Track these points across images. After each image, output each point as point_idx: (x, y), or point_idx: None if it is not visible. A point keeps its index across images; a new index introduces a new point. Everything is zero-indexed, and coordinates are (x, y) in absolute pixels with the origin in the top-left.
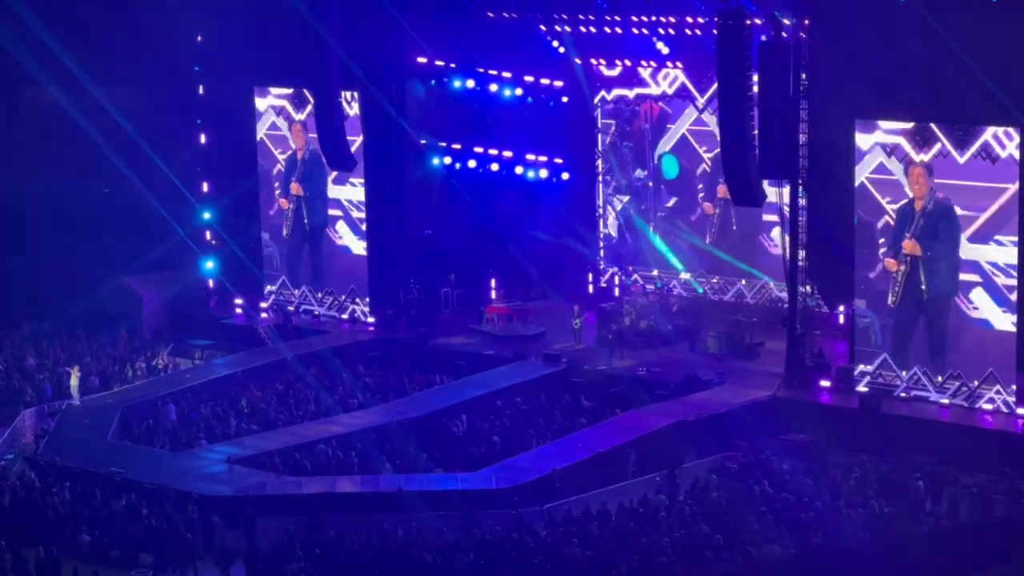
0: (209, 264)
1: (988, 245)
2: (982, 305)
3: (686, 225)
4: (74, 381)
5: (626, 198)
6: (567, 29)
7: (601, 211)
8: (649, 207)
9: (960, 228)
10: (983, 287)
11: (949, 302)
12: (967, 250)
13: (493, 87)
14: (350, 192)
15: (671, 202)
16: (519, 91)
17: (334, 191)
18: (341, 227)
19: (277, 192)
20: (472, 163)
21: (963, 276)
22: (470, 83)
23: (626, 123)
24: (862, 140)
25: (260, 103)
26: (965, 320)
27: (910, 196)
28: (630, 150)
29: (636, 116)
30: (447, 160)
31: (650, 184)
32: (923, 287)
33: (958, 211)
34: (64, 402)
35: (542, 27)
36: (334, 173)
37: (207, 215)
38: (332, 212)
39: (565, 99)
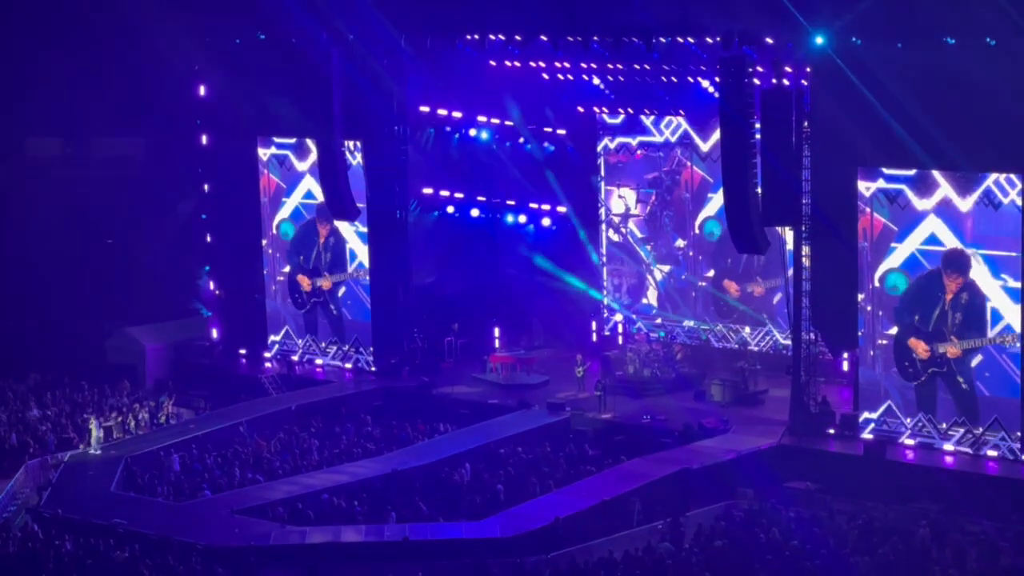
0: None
1: None
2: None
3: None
4: (95, 432)
5: (667, 267)
6: (570, 77)
7: (604, 259)
8: (690, 277)
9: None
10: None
11: (976, 383)
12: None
13: (495, 135)
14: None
15: (710, 273)
16: (521, 139)
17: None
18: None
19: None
20: (475, 212)
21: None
22: (473, 132)
23: (666, 192)
24: (864, 187)
25: (263, 153)
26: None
27: (929, 268)
28: (670, 219)
29: (676, 185)
30: (450, 209)
31: (691, 254)
32: (960, 379)
33: (1010, 281)
34: (67, 453)
35: (544, 76)
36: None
37: (207, 268)
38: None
39: (568, 147)
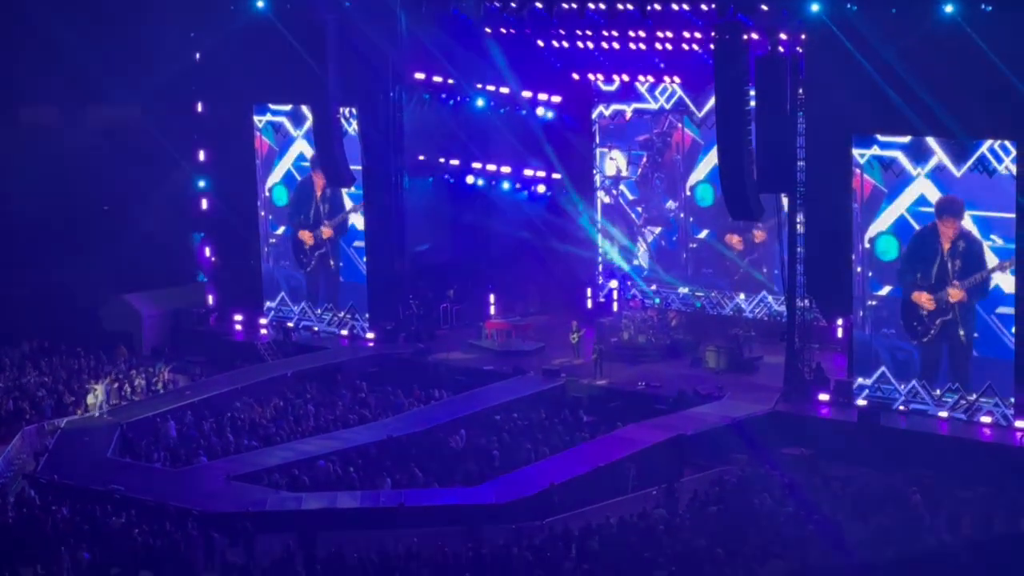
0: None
1: None
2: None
3: (717, 258)
4: (100, 396)
5: (658, 229)
6: (565, 44)
7: (599, 225)
8: (681, 239)
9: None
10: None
11: (976, 337)
12: (1010, 283)
13: (491, 102)
14: None
15: (703, 234)
16: (517, 106)
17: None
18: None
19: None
20: (470, 178)
21: (1006, 309)
22: (468, 99)
23: (657, 154)
24: (859, 154)
25: (259, 120)
26: (998, 351)
27: (917, 227)
28: (661, 181)
29: (668, 147)
30: (445, 175)
31: (681, 215)
32: (961, 332)
33: (999, 241)
34: (64, 419)
35: (540, 43)
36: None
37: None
38: (360, 244)
39: (563, 114)
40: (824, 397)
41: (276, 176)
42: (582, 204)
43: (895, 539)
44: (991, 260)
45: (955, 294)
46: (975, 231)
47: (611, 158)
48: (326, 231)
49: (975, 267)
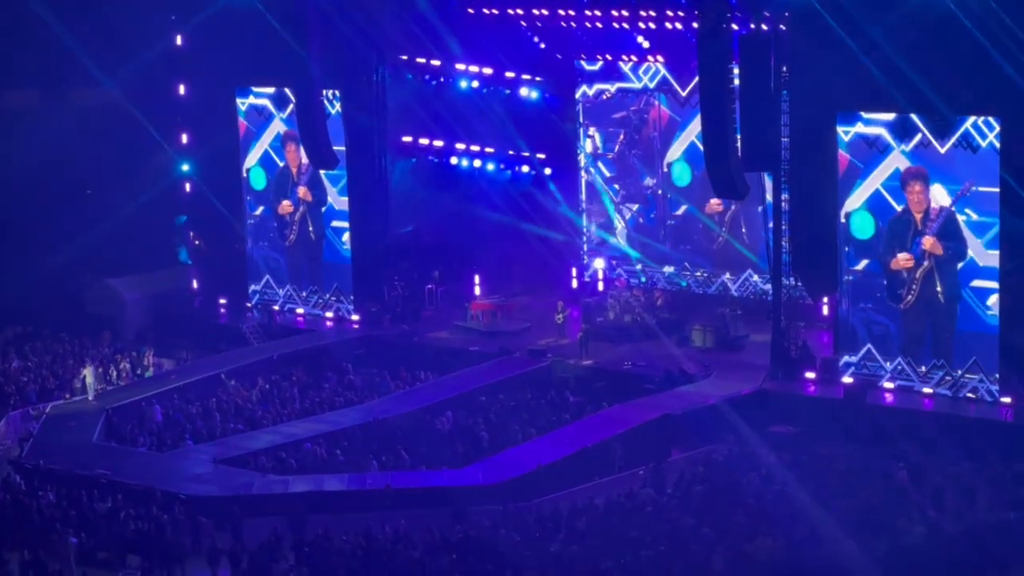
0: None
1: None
2: (1000, 310)
3: (699, 228)
4: (89, 379)
5: (635, 207)
6: (548, 24)
7: (584, 206)
8: (659, 215)
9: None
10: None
11: (957, 306)
12: (985, 256)
13: (474, 83)
14: None
15: (681, 210)
16: (500, 87)
17: (341, 203)
18: (348, 238)
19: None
20: (454, 159)
21: (981, 282)
22: (451, 80)
23: (634, 131)
24: (843, 132)
25: (241, 103)
26: (977, 325)
27: (898, 208)
28: (639, 158)
29: (645, 124)
30: (430, 157)
31: (659, 192)
32: (939, 288)
33: (974, 215)
34: (48, 404)
35: (523, 23)
36: (341, 183)
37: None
38: (338, 223)
39: (547, 95)
40: (810, 375)
41: (252, 158)
42: (554, 187)
43: (881, 515)
44: (964, 230)
45: (928, 241)
46: (949, 203)
47: (589, 135)
48: (302, 191)
49: (949, 228)
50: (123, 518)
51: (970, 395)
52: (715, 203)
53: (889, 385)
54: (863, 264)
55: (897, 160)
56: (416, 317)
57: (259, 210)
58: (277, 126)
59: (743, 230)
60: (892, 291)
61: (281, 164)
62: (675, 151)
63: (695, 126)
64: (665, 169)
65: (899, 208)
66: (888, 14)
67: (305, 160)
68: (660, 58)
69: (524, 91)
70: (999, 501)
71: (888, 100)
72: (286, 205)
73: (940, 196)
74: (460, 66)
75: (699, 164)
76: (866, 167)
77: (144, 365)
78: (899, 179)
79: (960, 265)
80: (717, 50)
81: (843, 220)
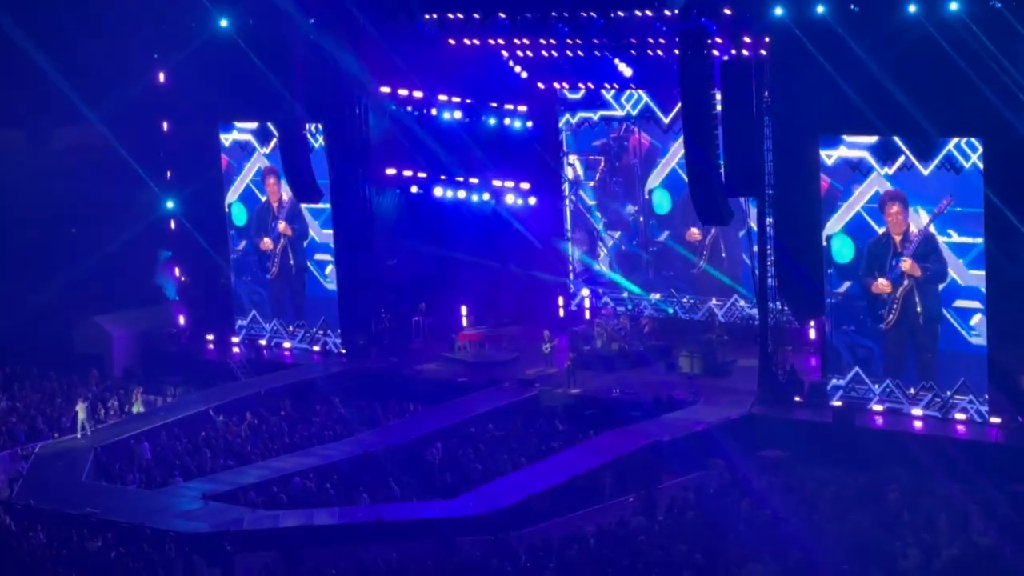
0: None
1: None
2: (984, 331)
3: (681, 255)
4: (81, 415)
5: (617, 234)
6: (529, 54)
7: (570, 234)
8: (641, 242)
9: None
10: (983, 313)
11: (938, 327)
12: (966, 276)
13: (457, 114)
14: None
15: (663, 236)
16: (483, 117)
17: (323, 236)
18: (331, 271)
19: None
20: (439, 191)
21: (963, 303)
22: (434, 111)
23: (615, 159)
24: (826, 156)
25: (225, 138)
26: (960, 345)
27: (879, 231)
28: (620, 185)
29: (625, 151)
30: (413, 189)
31: (641, 219)
32: (919, 309)
33: (955, 236)
34: (38, 444)
35: (504, 53)
36: (323, 216)
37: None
38: (320, 256)
39: (530, 124)
40: (799, 399)
41: (234, 194)
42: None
43: (873, 539)
44: (945, 251)
45: (906, 263)
46: (931, 226)
47: (569, 163)
48: (282, 226)
49: (928, 249)
50: (114, 557)
51: (959, 416)
52: (695, 232)
53: (878, 408)
54: (845, 287)
55: (878, 183)
56: (403, 349)
57: (241, 244)
58: (259, 161)
59: (723, 255)
60: (873, 312)
61: (263, 199)
62: (655, 178)
63: (675, 153)
64: (646, 196)
65: (880, 231)
66: (868, 37)
67: (286, 194)
68: (642, 86)
69: (507, 121)
70: (992, 523)
71: (870, 123)
72: (267, 242)
73: (921, 218)
74: (443, 97)
75: (679, 191)
76: (846, 190)
77: (132, 402)
78: (878, 201)
79: (941, 286)
80: (698, 77)
81: (824, 243)
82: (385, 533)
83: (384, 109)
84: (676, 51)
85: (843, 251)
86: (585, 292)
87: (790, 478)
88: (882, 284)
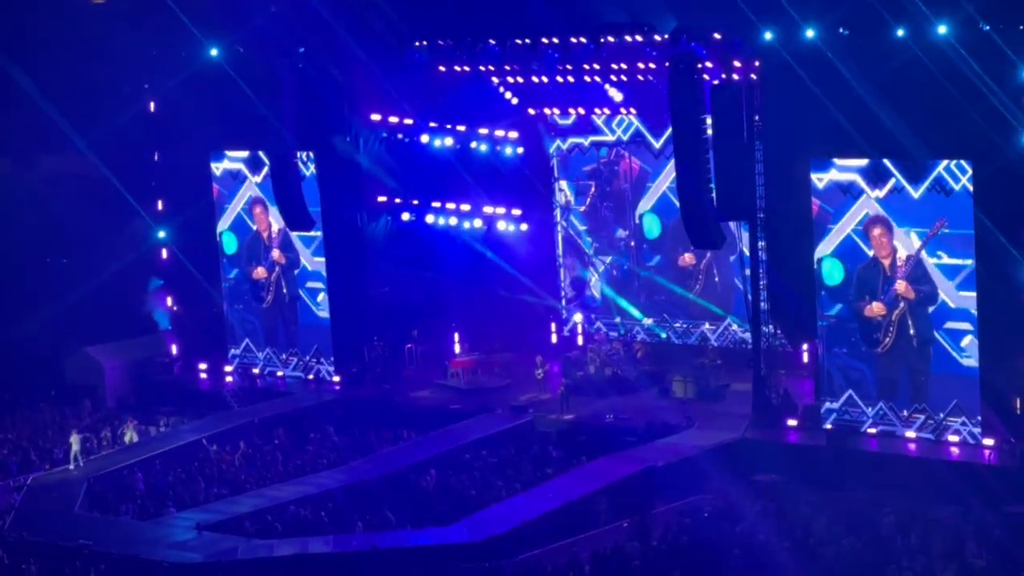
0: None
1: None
2: (975, 353)
3: (673, 279)
4: (75, 447)
5: (608, 258)
6: (519, 80)
7: (561, 260)
8: (632, 266)
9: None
10: (974, 334)
11: (930, 349)
12: (956, 298)
13: (448, 140)
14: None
15: (655, 261)
16: (474, 143)
17: (315, 264)
18: (323, 299)
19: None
20: (430, 217)
21: (953, 324)
22: (425, 138)
23: (605, 183)
24: (817, 179)
25: (216, 167)
26: (952, 367)
27: (870, 254)
28: (610, 210)
29: (615, 176)
30: (405, 216)
31: (632, 244)
32: (912, 332)
33: (945, 258)
34: (30, 476)
35: (494, 79)
36: (314, 244)
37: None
38: (312, 284)
39: (520, 150)
40: (792, 422)
41: (225, 222)
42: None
43: (868, 562)
44: (934, 273)
45: (901, 285)
46: (921, 249)
47: (560, 188)
48: (276, 254)
49: (920, 271)
50: None
51: (953, 438)
52: (687, 257)
53: (871, 430)
54: (836, 310)
55: (867, 205)
56: (396, 376)
57: (233, 273)
58: (250, 189)
59: (716, 280)
60: (866, 336)
61: (253, 227)
62: (646, 203)
63: (666, 177)
64: (637, 221)
65: (869, 254)
66: (858, 60)
67: (275, 223)
68: (633, 110)
69: (498, 147)
70: (987, 546)
71: (861, 146)
72: (260, 271)
73: (911, 241)
74: (433, 124)
75: (669, 216)
76: (837, 213)
77: (124, 432)
78: (863, 225)
79: (931, 308)
80: (689, 101)
81: (816, 265)
82: (380, 561)
83: (375, 136)
84: (666, 76)
85: (833, 274)
86: (578, 318)
87: (784, 502)
88: (876, 308)
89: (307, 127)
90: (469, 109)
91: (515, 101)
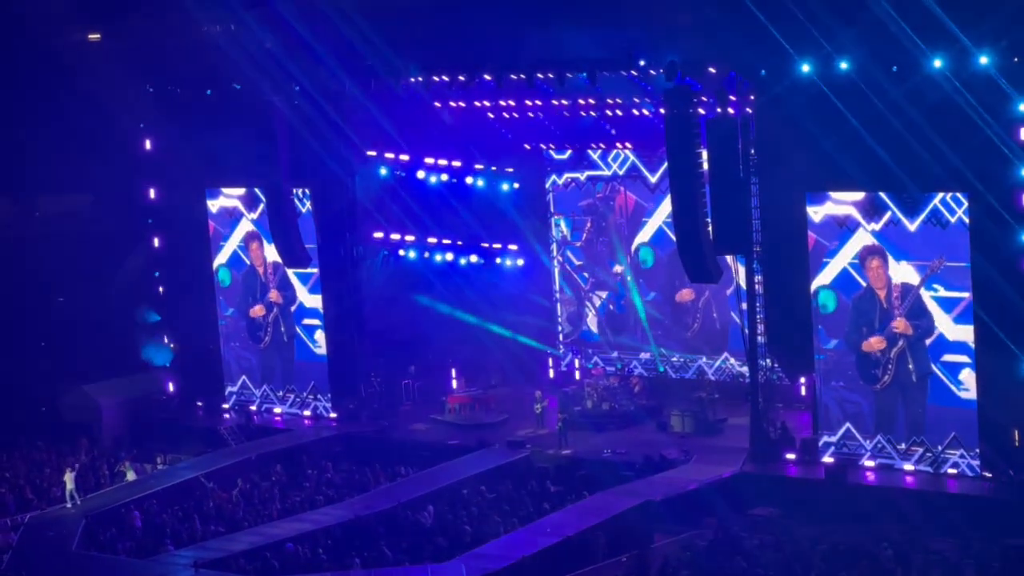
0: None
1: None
2: (972, 386)
3: (668, 316)
4: (69, 485)
5: (604, 294)
6: (515, 115)
7: (558, 295)
8: (628, 302)
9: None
10: (971, 367)
11: (928, 382)
12: (954, 331)
13: (444, 176)
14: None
15: (651, 296)
16: (470, 178)
17: (311, 300)
18: (320, 336)
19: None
20: (426, 253)
21: (951, 357)
22: (421, 173)
23: (601, 218)
24: (813, 212)
25: (212, 204)
26: (950, 400)
27: (864, 284)
28: (606, 245)
29: (611, 211)
30: (401, 251)
31: (628, 279)
32: (911, 366)
33: (942, 291)
34: (27, 515)
35: (490, 115)
36: (310, 280)
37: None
38: (309, 321)
39: (516, 185)
40: (791, 456)
41: (222, 257)
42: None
43: None
44: (931, 305)
45: (900, 324)
46: (915, 282)
47: (556, 224)
48: (273, 295)
49: (918, 307)
50: None
51: (951, 471)
52: (685, 293)
53: (870, 463)
54: (833, 343)
55: (863, 239)
56: (394, 412)
57: (229, 311)
58: (245, 226)
59: (714, 315)
60: (864, 371)
61: (248, 263)
62: (642, 236)
63: (662, 212)
64: (633, 255)
65: (864, 284)
66: (852, 94)
67: (271, 258)
68: (628, 145)
69: (494, 182)
70: None
71: (856, 179)
72: (258, 309)
73: (908, 274)
74: (429, 159)
75: (664, 248)
76: (833, 246)
77: (121, 471)
78: (859, 256)
79: (929, 341)
80: (684, 135)
81: (812, 300)
82: None
83: (371, 172)
84: (662, 110)
85: (828, 305)
86: (574, 354)
87: (783, 536)
88: (875, 343)
89: (302, 163)
90: (465, 144)
91: (510, 136)
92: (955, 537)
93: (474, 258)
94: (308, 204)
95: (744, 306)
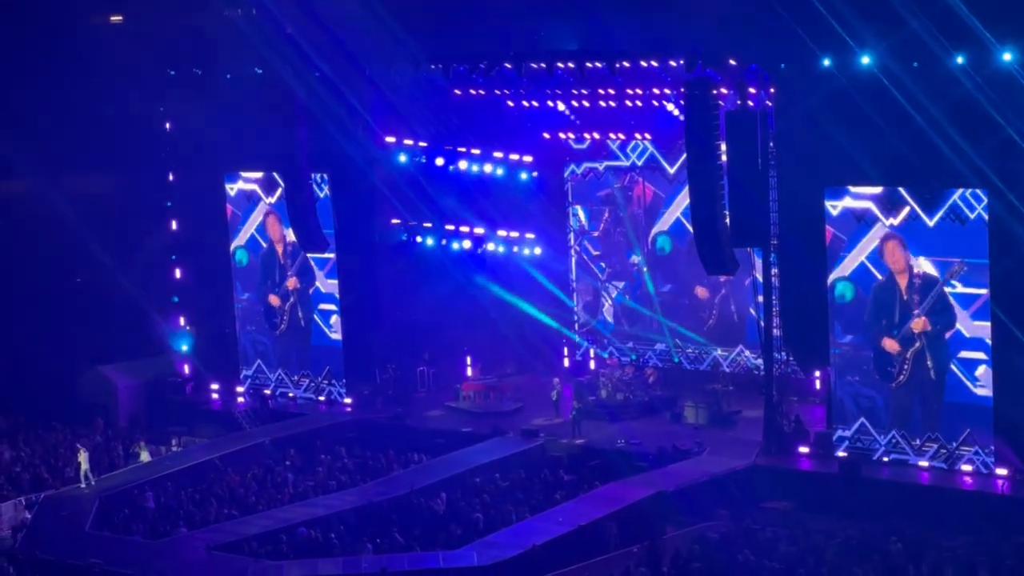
0: (184, 347)
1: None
2: (989, 383)
3: (684, 308)
4: (84, 464)
5: (621, 284)
6: (534, 104)
7: (575, 284)
8: (644, 293)
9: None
10: (988, 364)
11: (945, 378)
12: (971, 327)
13: (462, 164)
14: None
15: (667, 288)
16: (488, 167)
17: (328, 285)
18: (336, 321)
19: (245, 296)
20: (443, 240)
21: (968, 354)
22: (439, 161)
23: (619, 209)
24: (831, 206)
25: (230, 188)
26: (965, 397)
27: (881, 277)
28: (623, 236)
29: (629, 201)
30: (419, 238)
31: (645, 269)
32: (929, 364)
33: (960, 287)
34: (42, 494)
35: (509, 103)
36: (327, 265)
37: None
38: (325, 307)
39: (535, 174)
40: (804, 449)
41: (240, 240)
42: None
43: None
44: (951, 302)
45: (918, 323)
46: (935, 273)
47: (574, 213)
48: (291, 283)
49: (938, 305)
50: None
51: (965, 467)
52: (702, 290)
53: (884, 459)
54: (849, 338)
55: (882, 233)
56: (408, 399)
57: (246, 296)
58: (264, 209)
59: (732, 307)
60: (881, 368)
61: (265, 245)
62: (661, 226)
63: (680, 203)
64: (650, 245)
65: (881, 277)
66: (873, 88)
67: (289, 236)
68: (648, 135)
69: (513, 171)
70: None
71: (875, 174)
72: (274, 299)
73: (926, 266)
74: (448, 147)
75: (682, 237)
76: (851, 240)
77: (135, 452)
78: (879, 243)
79: (948, 335)
80: (704, 127)
81: (829, 294)
82: None
83: (389, 159)
84: (682, 101)
85: (845, 295)
86: (590, 343)
87: (795, 529)
88: (891, 344)
89: (322, 149)
90: (484, 133)
91: (530, 125)
92: (968, 534)
93: (491, 246)
94: (326, 189)
95: (760, 299)
